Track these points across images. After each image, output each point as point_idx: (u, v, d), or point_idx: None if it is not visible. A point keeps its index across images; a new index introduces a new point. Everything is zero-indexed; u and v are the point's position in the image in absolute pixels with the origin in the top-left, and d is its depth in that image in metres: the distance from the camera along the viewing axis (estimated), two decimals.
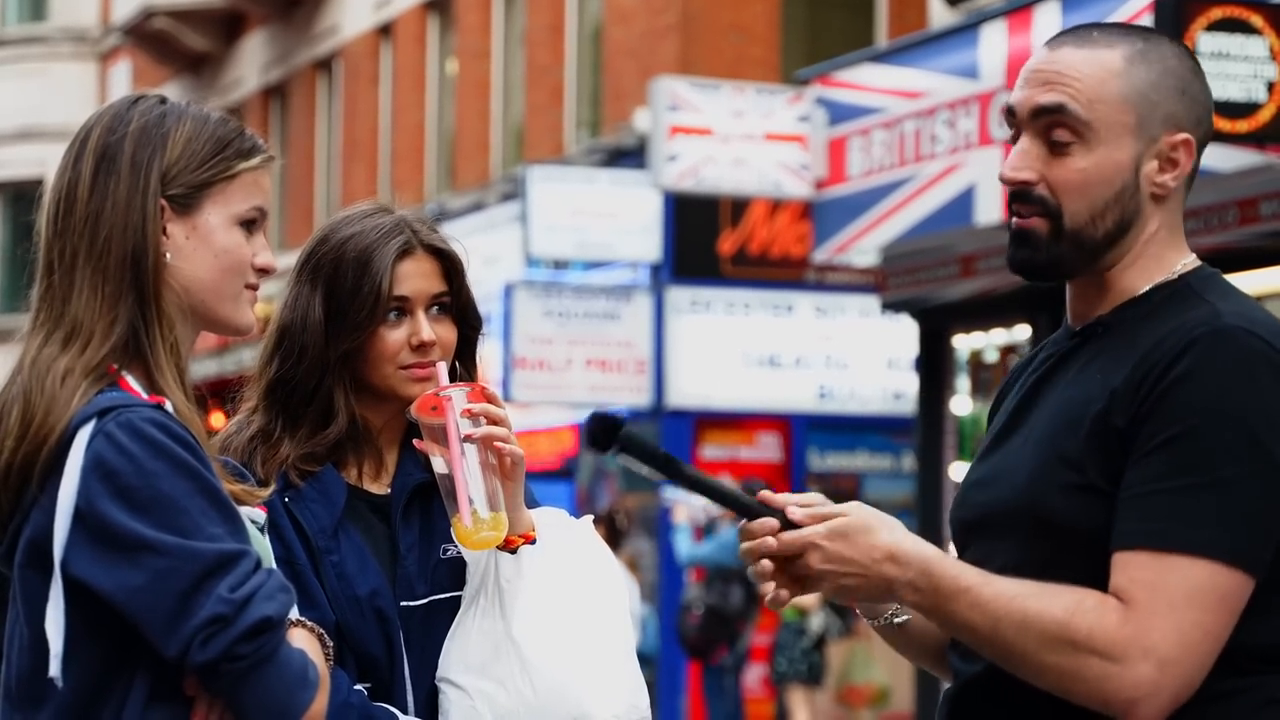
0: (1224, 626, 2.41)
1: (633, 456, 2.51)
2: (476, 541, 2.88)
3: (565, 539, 3.00)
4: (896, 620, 2.77)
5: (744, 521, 2.53)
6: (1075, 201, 2.56)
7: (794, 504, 2.53)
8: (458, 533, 2.90)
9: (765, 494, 2.56)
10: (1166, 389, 2.44)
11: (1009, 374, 2.81)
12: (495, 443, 2.91)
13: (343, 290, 3.01)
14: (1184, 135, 2.58)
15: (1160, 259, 2.61)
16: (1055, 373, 2.63)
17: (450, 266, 3.08)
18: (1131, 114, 2.55)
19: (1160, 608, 2.39)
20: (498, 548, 2.93)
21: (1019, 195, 2.59)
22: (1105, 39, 2.59)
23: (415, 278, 3.04)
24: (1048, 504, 2.50)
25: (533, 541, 2.96)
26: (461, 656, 2.92)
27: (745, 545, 2.53)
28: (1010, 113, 2.62)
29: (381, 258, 3.01)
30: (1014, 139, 2.62)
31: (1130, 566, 2.41)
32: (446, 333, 3.07)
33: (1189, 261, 2.62)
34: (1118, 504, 2.44)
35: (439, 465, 2.94)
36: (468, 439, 2.90)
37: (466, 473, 2.88)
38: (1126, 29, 2.63)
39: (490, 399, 2.95)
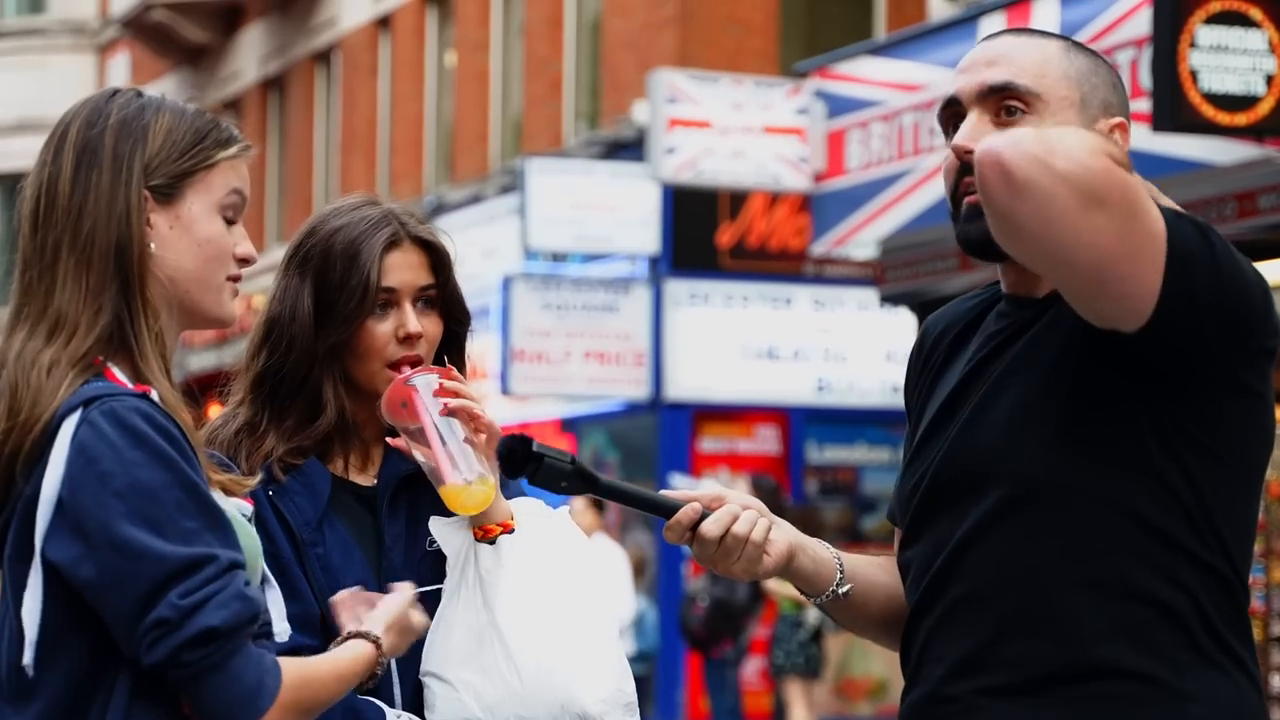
0: None
1: (549, 473, 2.69)
2: (468, 498, 2.87)
3: (544, 528, 2.99)
4: (840, 591, 2.79)
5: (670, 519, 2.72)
6: None
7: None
8: (448, 497, 2.89)
9: (674, 492, 2.74)
10: None
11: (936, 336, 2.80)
12: (471, 410, 2.92)
13: (331, 282, 3.00)
14: (1119, 119, 2.62)
15: None
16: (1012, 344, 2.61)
17: (438, 259, 3.07)
18: (1075, 91, 2.59)
19: None
20: (476, 539, 2.93)
21: (970, 168, 2.54)
22: (1039, 32, 2.67)
23: (402, 269, 3.03)
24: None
25: (511, 531, 2.95)
26: (445, 649, 2.90)
27: (673, 534, 2.72)
28: (949, 105, 2.64)
29: (369, 249, 3.00)
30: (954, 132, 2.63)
31: None
32: (432, 326, 3.05)
33: None
34: None
35: (420, 458, 2.94)
36: (443, 412, 2.91)
37: (447, 441, 2.90)
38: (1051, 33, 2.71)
39: (455, 378, 2.96)
